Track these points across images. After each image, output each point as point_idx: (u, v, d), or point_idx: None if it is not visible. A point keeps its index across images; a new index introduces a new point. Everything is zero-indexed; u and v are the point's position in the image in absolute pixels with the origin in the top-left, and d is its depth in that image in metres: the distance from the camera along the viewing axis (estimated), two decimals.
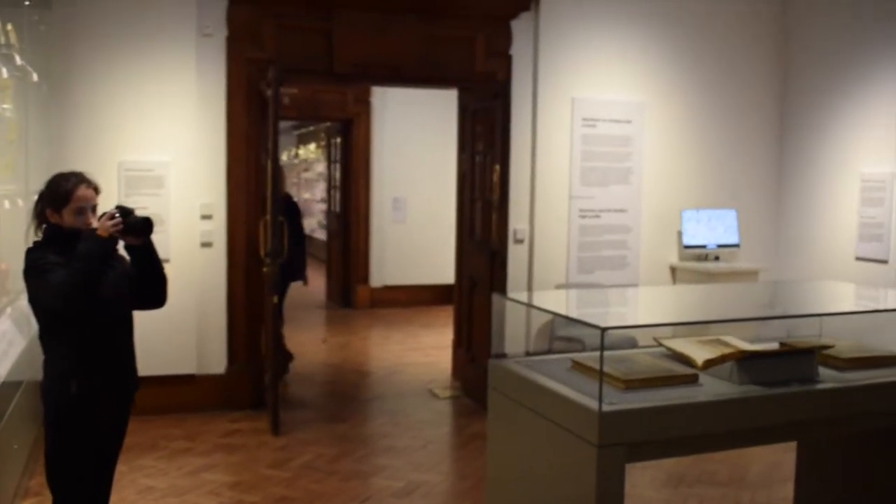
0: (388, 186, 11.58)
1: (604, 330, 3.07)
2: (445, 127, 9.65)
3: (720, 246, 7.67)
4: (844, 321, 4.24)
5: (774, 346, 3.78)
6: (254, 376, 6.63)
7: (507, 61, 7.02)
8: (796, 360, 3.51)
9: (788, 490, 4.78)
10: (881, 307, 4.60)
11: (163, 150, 6.34)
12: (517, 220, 7.12)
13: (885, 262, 7.02)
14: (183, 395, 6.41)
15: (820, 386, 3.46)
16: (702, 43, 7.73)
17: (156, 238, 3.48)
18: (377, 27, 6.69)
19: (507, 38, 7.03)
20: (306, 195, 19.73)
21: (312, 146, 19.03)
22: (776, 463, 5.49)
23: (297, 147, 20.58)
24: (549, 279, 7.19)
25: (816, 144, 7.75)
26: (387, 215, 11.59)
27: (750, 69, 7.95)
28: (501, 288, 6.79)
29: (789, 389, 3.37)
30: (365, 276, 11.60)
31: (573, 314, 4.42)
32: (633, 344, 4.75)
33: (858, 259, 7.26)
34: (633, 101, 7.46)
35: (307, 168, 19.78)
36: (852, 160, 7.37)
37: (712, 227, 7.66)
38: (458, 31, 6.89)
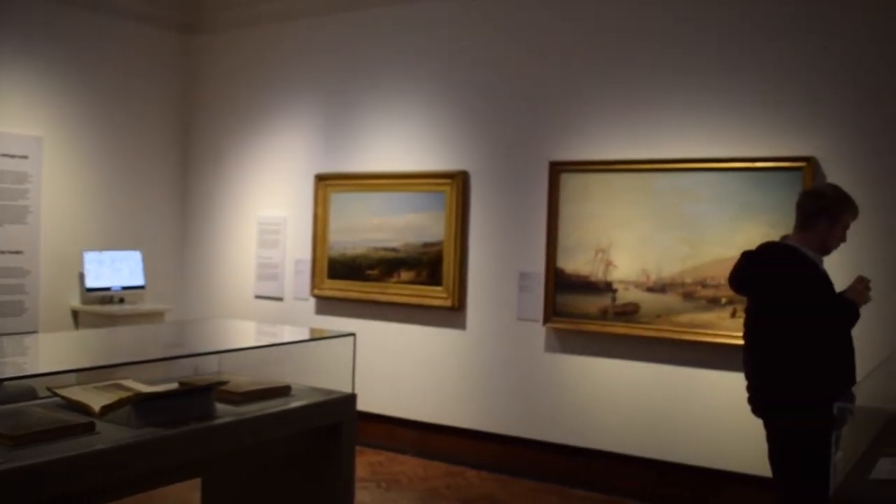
0: None
1: None
2: None
3: (125, 288, 7.58)
4: (244, 356, 4.46)
5: (175, 385, 3.83)
6: None
7: None
8: (193, 397, 3.60)
9: None
10: (276, 341, 4.96)
11: None
12: None
13: (280, 299, 7.59)
14: None
15: (217, 421, 3.60)
16: (104, 79, 7.61)
17: None
18: None
19: None
20: None
21: None
22: (188, 500, 5.55)
23: None
24: None
25: (218, 190, 8.11)
26: None
27: (153, 113, 8.04)
28: None
29: (188, 427, 3.44)
30: None
31: None
32: (33, 396, 4.45)
33: (258, 297, 7.75)
34: (29, 135, 7.04)
35: None
36: (251, 205, 7.86)
37: (116, 269, 7.53)
38: None
